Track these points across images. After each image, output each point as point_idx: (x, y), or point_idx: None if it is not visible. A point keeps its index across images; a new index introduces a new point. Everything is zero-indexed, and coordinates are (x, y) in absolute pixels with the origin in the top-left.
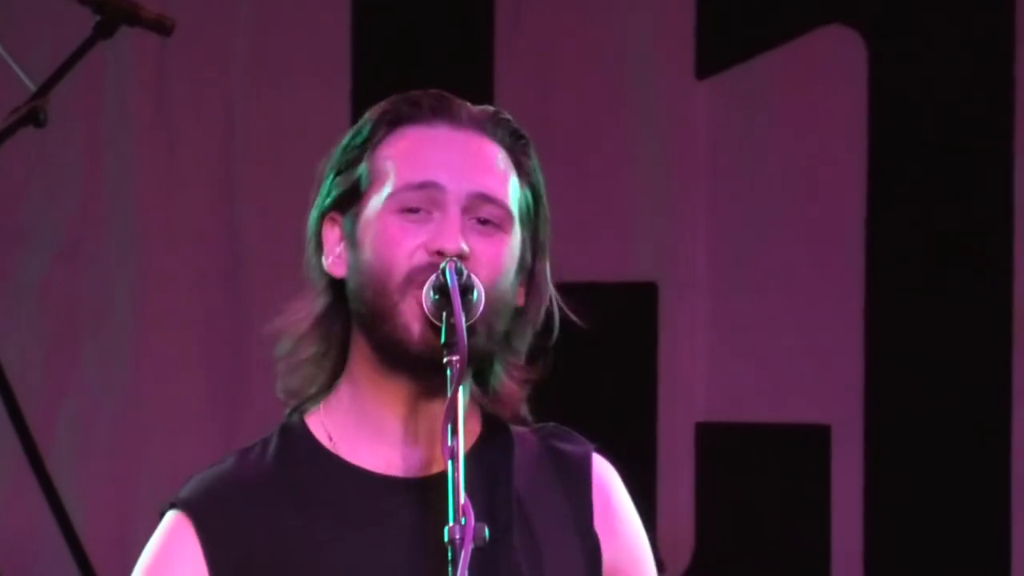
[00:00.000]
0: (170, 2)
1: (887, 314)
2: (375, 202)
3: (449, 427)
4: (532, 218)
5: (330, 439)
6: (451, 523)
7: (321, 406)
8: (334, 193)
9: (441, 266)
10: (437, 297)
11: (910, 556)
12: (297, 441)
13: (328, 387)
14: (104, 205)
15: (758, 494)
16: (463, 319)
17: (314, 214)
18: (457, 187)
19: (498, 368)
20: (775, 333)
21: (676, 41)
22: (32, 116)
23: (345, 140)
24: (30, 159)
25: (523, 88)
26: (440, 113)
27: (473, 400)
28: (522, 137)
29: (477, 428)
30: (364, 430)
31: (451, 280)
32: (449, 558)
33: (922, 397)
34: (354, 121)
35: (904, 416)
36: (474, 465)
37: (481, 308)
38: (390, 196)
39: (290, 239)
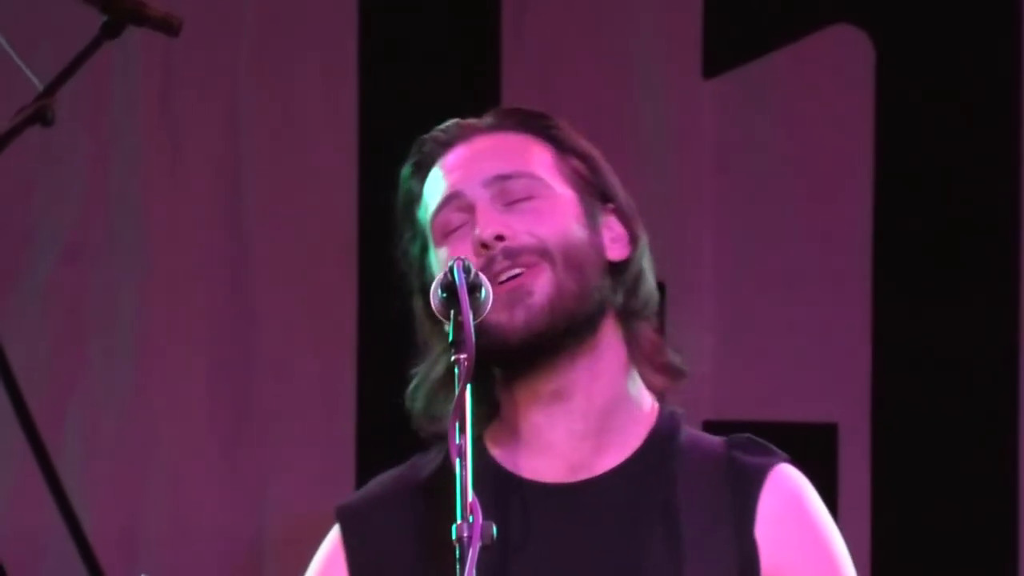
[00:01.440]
0: (177, 1)
1: (894, 313)
2: (432, 245)
3: (457, 425)
4: (591, 178)
5: (495, 447)
6: (458, 521)
7: (491, 424)
8: (420, 278)
9: (449, 264)
10: (445, 295)
11: (918, 555)
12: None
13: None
14: (110, 205)
15: None
16: (471, 317)
17: (419, 306)
18: (472, 184)
19: (635, 325)
20: (782, 332)
21: (683, 40)
22: (39, 115)
23: (400, 217)
24: (36, 159)
25: (529, 89)
26: (451, 140)
27: (642, 400)
28: (539, 115)
29: (641, 434)
30: (519, 442)
31: (459, 278)
32: (457, 556)
33: (929, 396)
34: (361, 121)
35: (911, 415)
36: (628, 476)
37: (489, 306)
38: (430, 231)
39: (296, 240)
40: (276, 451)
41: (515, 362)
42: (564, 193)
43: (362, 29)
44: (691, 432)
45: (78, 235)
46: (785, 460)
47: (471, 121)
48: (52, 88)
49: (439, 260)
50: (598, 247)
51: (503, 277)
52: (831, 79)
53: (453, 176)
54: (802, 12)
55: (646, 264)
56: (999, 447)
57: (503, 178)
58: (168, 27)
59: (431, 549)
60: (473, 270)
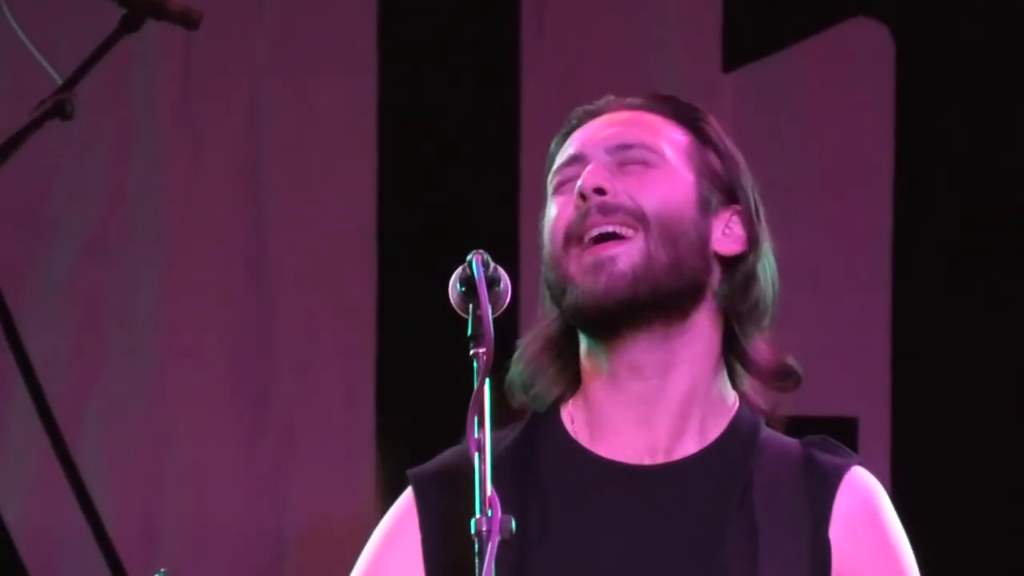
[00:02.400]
0: None
1: (914, 306)
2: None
3: (476, 419)
4: (722, 174)
5: (573, 427)
6: (477, 515)
7: (572, 398)
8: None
9: (468, 258)
10: (464, 289)
11: (937, 548)
12: (543, 424)
13: (575, 383)
14: (130, 201)
15: None
16: (490, 311)
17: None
18: (595, 147)
19: (741, 326)
20: (802, 326)
21: (702, 34)
22: (59, 109)
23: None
24: (56, 153)
25: (549, 82)
26: (593, 113)
27: (726, 393)
28: (691, 106)
29: (719, 427)
30: (596, 418)
31: (478, 272)
32: (475, 550)
33: (950, 389)
34: (380, 114)
35: (932, 408)
36: (710, 463)
37: (507, 300)
38: (549, 188)
39: (314, 231)
40: (295, 447)
41: (596, 327)
42: (683, 173)
43: (382, 22)
44: (768, 431)
45: (98, 231)
46: (859, 462)
47: (623, 99)
48: (71, 82)
49: (548, 215)
50: (703, 232)
51: (593, 233)
52: (851, 72)
53: (580, 139)
54: (822, 5)
55: (763, 270)
56: (1020, 441)
57: (625, 147)
58: (188, 20)
59: (524, 521)
60: (492, 264)
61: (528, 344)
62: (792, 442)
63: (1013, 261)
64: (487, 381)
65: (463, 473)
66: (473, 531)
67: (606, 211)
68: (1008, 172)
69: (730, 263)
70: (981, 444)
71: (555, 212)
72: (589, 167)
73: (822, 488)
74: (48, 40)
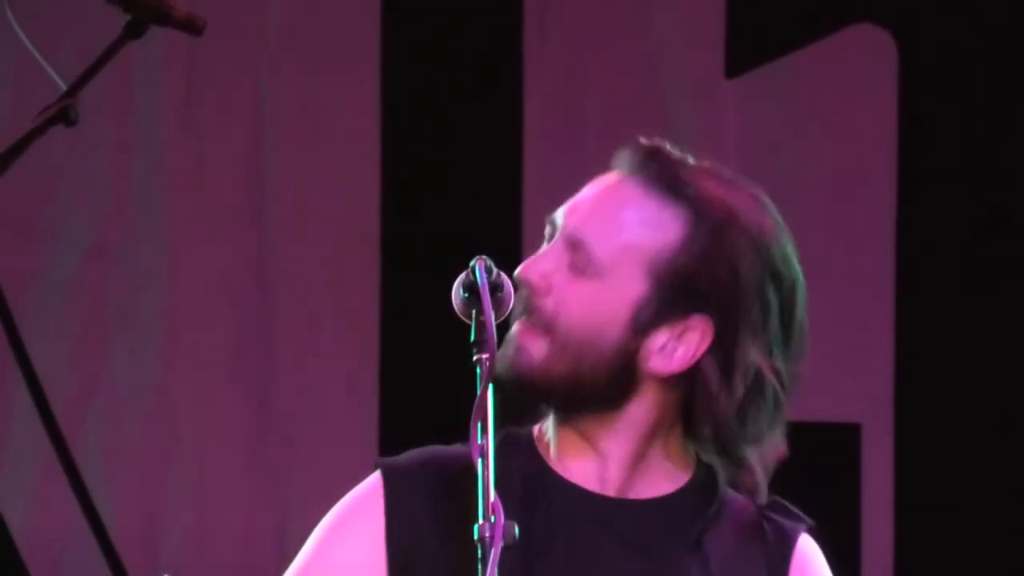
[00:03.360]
0: (200, 1)
1: (918, 312)
2: None
3: (479, 426)
4: (694, 278)
5: (543, 446)
6: (480, 521)
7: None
8: None
9: (471, 264)
10: (467, 295)
11: (941, 555)
12: (517, 439)
13: None
14: (133, 204)
15: (788, 492)
16: (493, 317)
17: None
18: (563, 222)
19: (742, 451)
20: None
21: (706, 40)
22: (63, 115)
23: None
24: (60, 159)
25: (551, 89)
26: (612, 164)
27: (684, 453)
28: (682, 167)
29: (682, 480)
30: (557, 447)
31: (481, 278)
32: (479, 556)
33: (953, 396)
34: (384, 118)
35: (935, 414)
36: (665, 509)
37: (510, 306)
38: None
39: (317, 235)
40: (298, 450)
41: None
42: (623, 289)
43: (385, 30)
44: (727, 490)
45: (101, 235)
46: (809, 526)
47: (627, 153)
48: (75, 88)
49: None
50: (628, 352)
51: (513, 319)
52: (854, 78)
53: (568, 205)
54: (824, 11)
55: (731, 387)
56: (1023, 446)
57: (576, 244)
58: (192, 27)
59: (464, 538)
60: (495, 270)
61: None
62: (748, 503)
63: (1017, 266)
64: (490, 387)
65: (430, 469)
66: (476, 537)
67: (527, 308)
68: (1012, 176)
69: (675, 380)
70: (984, 450)
71: None
72: (540, 252)
73: (777, 549)
74: (52, 46)
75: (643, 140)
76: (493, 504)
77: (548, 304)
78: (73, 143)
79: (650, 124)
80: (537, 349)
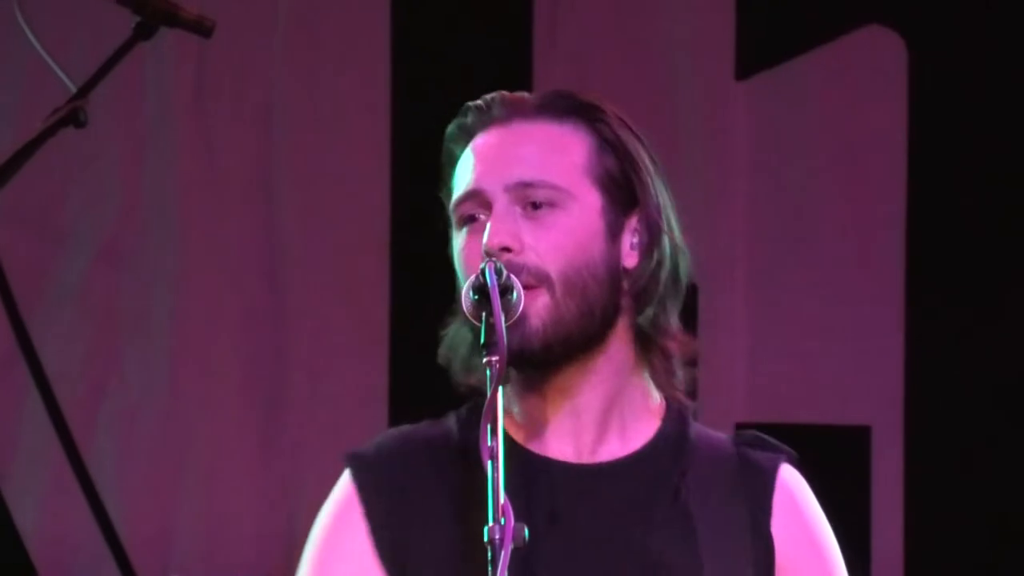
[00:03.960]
0: (210, 3)
1: (928, 314)
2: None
3: (489, 427)
4: (621, 180)
5: (507, 422)
6: (490, 523)
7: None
8: (449, 219)
9: (480, 267)
10: (476, 297)
11: (951, 557)
12: (477, 418)
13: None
14: (144, 206)
15: None
16: (503, 319)
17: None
18: (493, 186)
19: (652, 333)
20: (815, 334)
21: (715, 42)
22: (73, 117)
23: (442, 171)
24: (70, 160)
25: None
26: (485, 117)
27: (648, 393)
28: (588, 104)
29: (652, 427)
30: (527, 421)
31: (491, 281)
32: (489, 557)
33: (962, 398)
34: (393, 116)
35: (945, 417)
36: (639, 469)
37: (521, 307)
38: (453, 215)
39: (328, 236)
40: (308, 454)
41: (518, 368)
42: (588, 202)
43: (395, 24)
44: (699, 427)
45: (112, 237)
46: (789, 457)
47: (517, 98)
48: (85, 90)
49: (457, 243)
50: (613, 260)
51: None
52: (864, 80)
53: (479, 168)
54: (833, 13)
55: (663, 272)
56: None
57: (526, 185)
58: (201, 29)
59: (460, 513)
60: (505, 272)
61: (457, 343)
62: (723, 439)
63: None
64: (500, 389)
65: (402, 452)
66: (486, 539)
67: (513, 269)
68: (1020, 174)
69: (636, 271)
70: (993, 452)
71: (466, 251)
72: (493, 219)
73: (758, 484)
74: (62, 47)
75: (498, 94)
76: (503, 506)
77: (531, 257)
78: (83, 145)
79: (660, 127)
80: (540, 305)
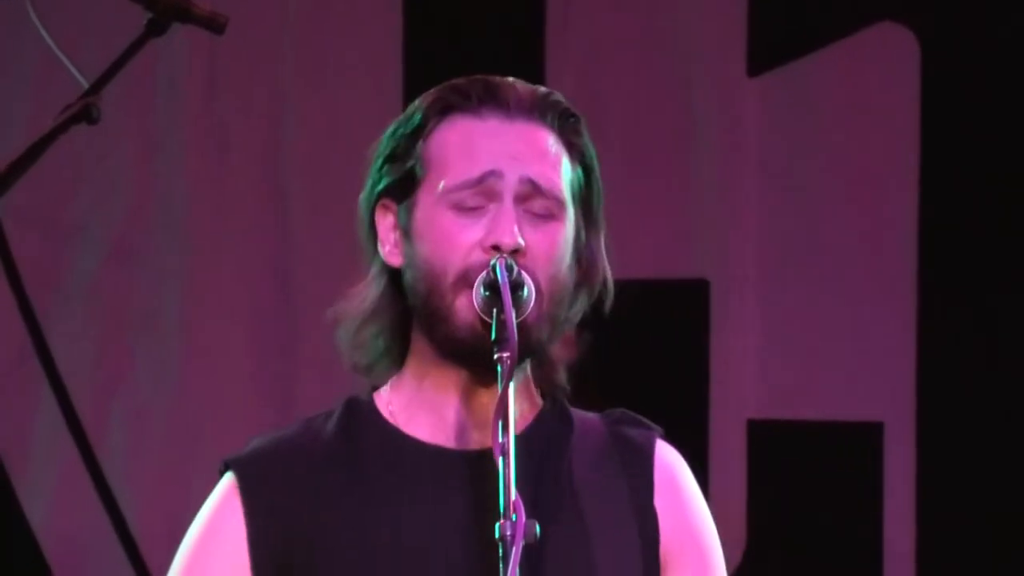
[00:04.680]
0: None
1: (939, 310)
2: (431, 196)
3: (500, 424)
4: (584, 196)
5: (391, 414)
6: (502, 519)
7: (388, 384)
8: (386, 180)
9: (492, 263)
10: (488, 294)
11: (962, 553)
12: (360, 413)
13: (395, 366)
14: (155, 203)
15: (810, 491)
16: (513, 315)
17: (365, 199)
18: (512, 173)
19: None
20: (826, 330)
21: (728, 39)
22: (85, 113)
23: (395, 126)
24: (82, 158)
25: (575, 87)
26: (489, 102)
27: (531, 382)
28: (572, 116)
29: (533, 411)
30: (423, 407)
31: (502, 277)
32: (500, 554)
33: (975, 394)
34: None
35: (957, 413)
36: (524, 448)
37: (532, 304)
38: (446, 191)
39: (338, 234)
40: None
41: (473, 366)
42: (571, 217)
43: (407, 26)
44: (575, 411)
45: (123, 234)
46: (661, 433)
47: (510, 88)
48: (97, 86)
49: (433, 214)
50: (572, 274)
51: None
52: (875, 76)
53: (492, 152)
54: (846, 10)
55: (591, 294)
56: None
57: (537, 186)
58: (214, 25)
59: (349, 511)
60: (516, 268)
61: (362, 322)
62: (594, 418)
63: None
64: (511, 385)
65: (281, 457)
66: (497, 535)
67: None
68: None
69: (579, 289)
70: (1006, 448)
71: (455, 234)
72: (505, 214)
73: (640, 461)
74: (74, 44)
75: (486, 79)
76: (514, 503)
77: (529, 262)
78: (94, 142)
79: (672, 124)
80: (531, 312)
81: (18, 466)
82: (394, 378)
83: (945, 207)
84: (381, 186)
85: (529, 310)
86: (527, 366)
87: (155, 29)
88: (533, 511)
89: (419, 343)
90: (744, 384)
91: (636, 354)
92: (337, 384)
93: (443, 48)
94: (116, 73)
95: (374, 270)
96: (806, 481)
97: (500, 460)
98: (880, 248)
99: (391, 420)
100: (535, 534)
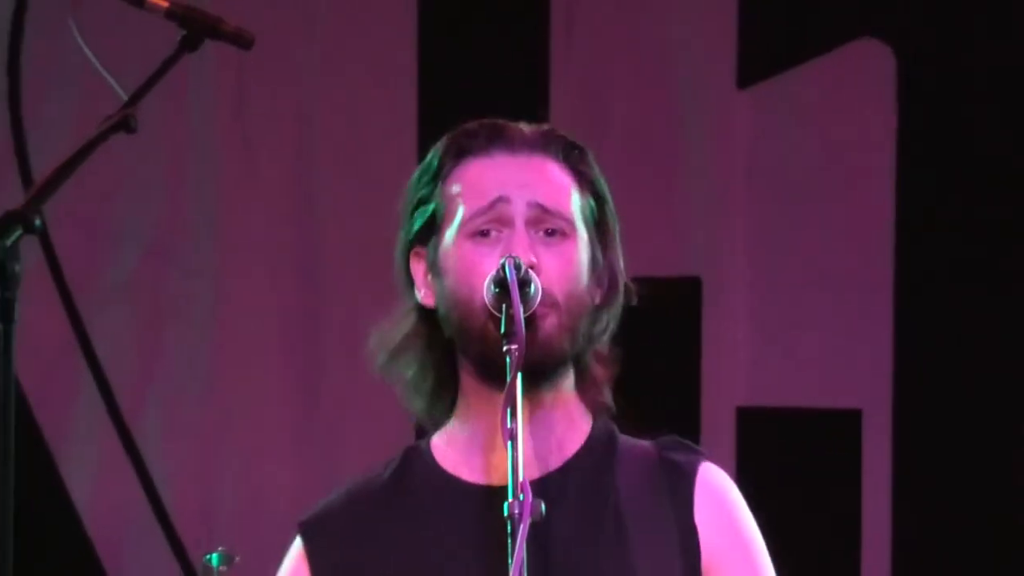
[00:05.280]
0: (248, 15)
1: (915, 304)
2: (450, 232)
3: (508, 411)
4: (597, 221)
5: (443, 457)
6: (510, 499)
7: (443, 429)
8: (415, 227)
9: (501, 262)
10: (497, 290)
11: (936, 533)
12: (415, 458)
13: (449, 414)
14: (188, 206)
15: (795, 473)
16: (521, 309)
17: (400, 249)
18: (520, 199)
19: (588, 359)
20: (810, 323)
21: (719, 54)
22: (124, 123)
23: (416, 175)
24: (121, 164)
25: (578, 101)
26: (496, 141)
27: (576, 405)
28: (576, 147)
29: (581, 438)
30: (470, 448)
31: (510, 274)
32: (508, 531)
33: (948, 383)
34: (420, 124)
35: (931, 401)
36: (572, 471)
37: (539, 300)
38: (462, 224)
39: (358, 233)
40: (342, 430)
41: (529, 377)
42: (582, 238)
43: (421, 48)
44: (623, 436)
45: (158, 235)
46: (707, 457)
47: (516, 129)
48: (135, 98)
49: (463, 256)
50: (592, 293)
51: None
52: (855, 89)
53: (502, 179)
54: (828, 27)
55: (614, 311)
56: (1017, 430)
57: (544, 208)
58: (241, 41)
59: (400, 553)
60: (523, 267)
61: (401, 364)
62: (646, 444)
63: (1008, 261)
64: (519, 375)
65: (343, 512)
66: (506, 513)
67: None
68: (1000, 174)
69: (599, 307)
70: (978, 434)
71: (475, 260)
72: (518, 235)
73: (681, 481)
74: (113, 60)
75: (494, 122)
76: (522, 484)
77: (545, 281)
78: (132, 150)
79: (668, 133)
80: (553, 323)
81: (62, 447)
82: (447, 424)
83: (919, 208)
84: (412, 234)
85: (536, 305)
86: (565, 387)
87: (188, 45)
88: (582, 534)
89: (465, 381)
90: (734, 374)
91: (634, 346)
92: (358, 370)
93: (454, 70)
94: (152, 86)
95: (413, 317)
96: (791, 464)
97: (509, 445)
98: (860, 247)
99: (442, 464)
100: (541, 513)
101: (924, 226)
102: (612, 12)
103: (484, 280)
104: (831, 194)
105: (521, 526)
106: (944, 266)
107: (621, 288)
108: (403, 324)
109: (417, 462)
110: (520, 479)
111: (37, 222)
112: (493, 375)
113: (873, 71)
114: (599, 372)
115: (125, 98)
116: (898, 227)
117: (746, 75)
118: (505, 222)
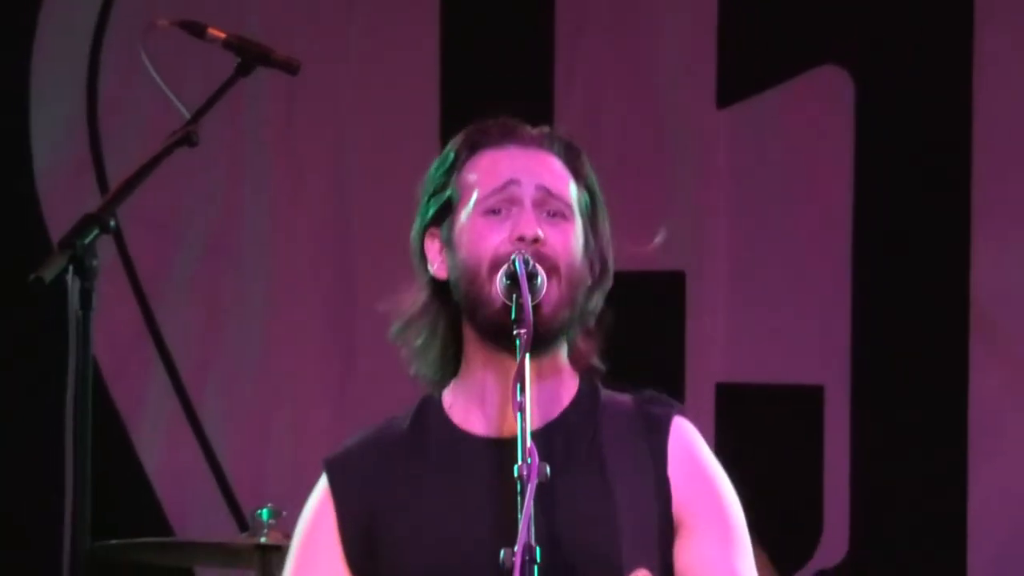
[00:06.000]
0: (296, 46)
1: (870, 291)
2: (466, 211)
3: (518, 386)
4: (590, 213)
5: (450, 408)
6: (519, 462)
7: (451, 383)
8: (431, 211)
9: (512, 258)
10: (508, 282)
11: (892, 502)
12: (428, 409)
13: (455, 371)
14: (243, 211)
15: (765, 443)
16: (529, 299)
17: (417, 231)
18: (529, 183)
19: (578, 334)
20: (780, 309)
21: (701, 79)
22: (186, 139)
23: (434, 167)
24: (185, 175)
25: (578, 117)
26: (507, 136)
27: (566, 370)
28: (573, 148)
29: (570, 395)
30: (472, 402)
31: (519, 268)
32: (518, 490)
33: (899, 361)
34: (442, 139)
35: (886, 376)
36: (563, 423)
37: (544, 291)
38: (477, 202)
39: (389, 234)
40: (375, 407)
41: (507, 343)
42: (579, 224)
43: (443, 71)
44: (606, 391)
45: (217, 236)
46: (681, 411)
47: (524, 128)
48: (196, 116)
49: (475, 230)
50: (586, 271)
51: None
52: (819, 109)
53: (514, 166)
54: (795, 56)
55: (602, 292)
56: (951, 399)
57: (549, 192)
58: (289, 67)
59: (413, 491)
60: (531, 261)
61: (412, 332)
62: (626, 398)
63: (948, 256)
64: (527, 356)
65: (363, 451)
66: (516, 475)
67: (538, 258)
68: (943, 183)
69: (590, 288)
70: (931, 408)
71: (486, 233)
72: (527, 212)
73: (656, 434)
74: (178, 82)
75: (506, 121)
76: (529, 449)
77: (551, 252)
78: (193, 162)
79: (656, 146)
80: (553, 292)
81: (136, 425)
82: (453, 380)
83: (874, 210)
84: (428, 217)
85: (543, 295)
86: (560, 353)
87: (243, 70)
88: (566, 479)
89: (470, 340)
90: (713, 354)
91: (623, 332)
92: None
93: (473, 90)
94: (212, 106)
95: (426, 291)
96: (763, 432)
97: (519, 415)
98: (823, 245)
99: (449, 415)
100: (546, 474)
101: (878, 225)
102: (608, 40)
103: (490, 248)
104: (799, 198)
105: (529, 485)
106: (894, 258)
107: (611, 272)
108: (416, 298)
109: (432, 415)
110: (528, 444)
111: (112, 224)
112: (494, 335)
113: (835, 94)
114: (588, 345)
115: (188, 116)
116: (855, 224)
117: (725, 96)
118: (515, 202)
